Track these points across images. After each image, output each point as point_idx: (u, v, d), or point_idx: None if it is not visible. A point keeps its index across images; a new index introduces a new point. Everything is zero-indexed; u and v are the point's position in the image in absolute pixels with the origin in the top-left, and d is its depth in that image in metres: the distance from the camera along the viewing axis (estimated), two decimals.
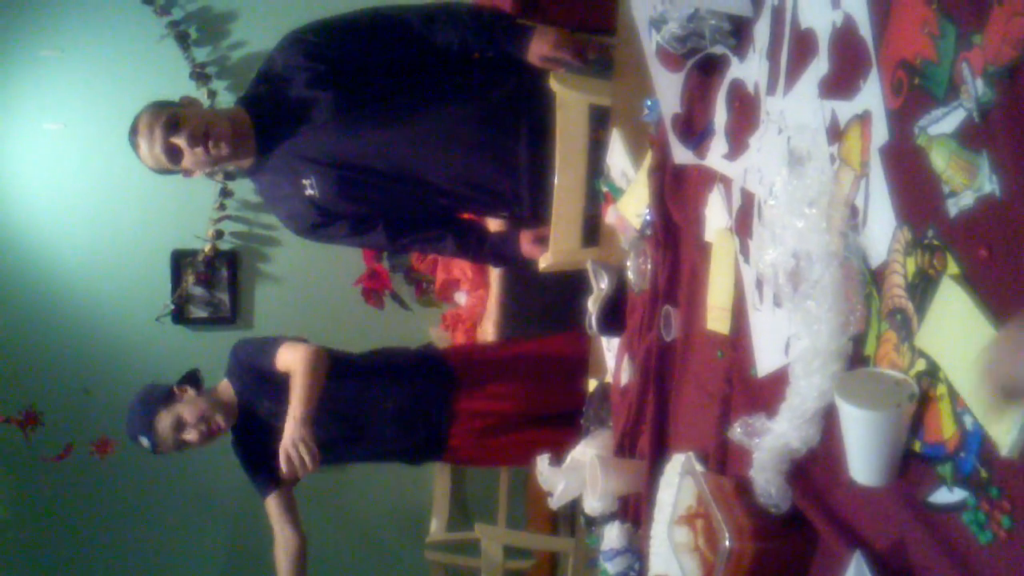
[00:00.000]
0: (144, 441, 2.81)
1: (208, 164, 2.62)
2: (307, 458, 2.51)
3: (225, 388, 2.94)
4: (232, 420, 2.90)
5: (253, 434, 2.94)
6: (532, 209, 2.75)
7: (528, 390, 3.04)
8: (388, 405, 2.97)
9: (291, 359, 2.79)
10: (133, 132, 2.59)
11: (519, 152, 2.67)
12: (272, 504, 2.97)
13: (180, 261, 4.41)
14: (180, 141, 2.53)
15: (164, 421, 2.78)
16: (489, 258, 3.07)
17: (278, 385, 2.82)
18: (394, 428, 2.99)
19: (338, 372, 2.88)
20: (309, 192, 2.69)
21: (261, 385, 2.90)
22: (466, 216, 3.11)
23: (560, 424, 2.82)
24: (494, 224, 3.18)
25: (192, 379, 2.92)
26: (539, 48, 2.57)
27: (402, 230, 2.85)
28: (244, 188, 4.41)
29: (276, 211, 2.91)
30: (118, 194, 4.32)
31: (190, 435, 2.80)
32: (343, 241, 2.92)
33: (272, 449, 2.86)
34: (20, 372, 4.30)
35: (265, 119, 2.63)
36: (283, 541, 2.98)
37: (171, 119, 2.53)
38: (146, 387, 2.91)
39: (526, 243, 2.89)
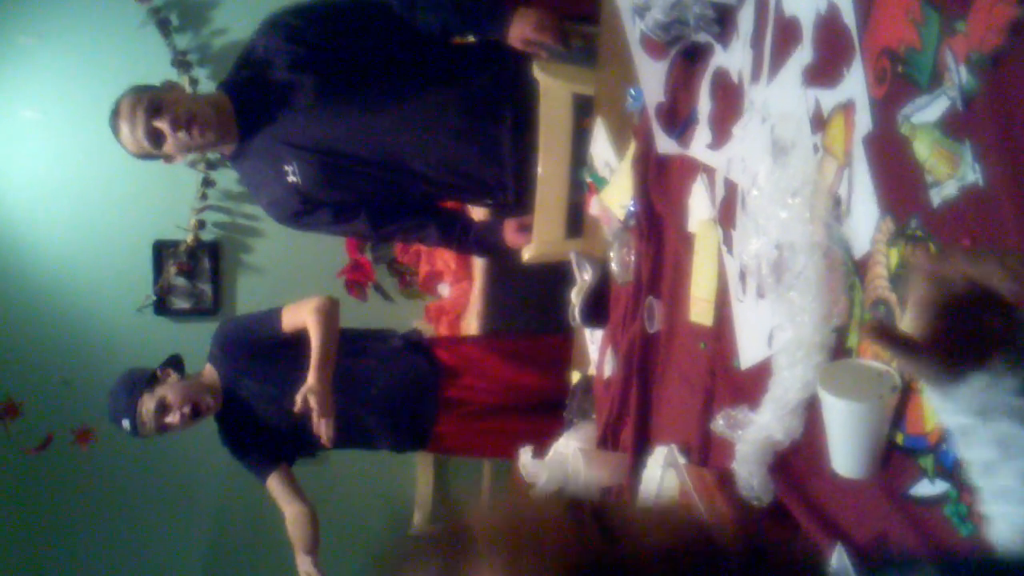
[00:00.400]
0: (125, 423, 2.78)
1: (190, 149, 2.59)
2: (318, 409, 2.55)
3: (209, 373, 2.91)
4: (218, 404, 2.87)
5: (239, 419, 2.91)
6: (516, 196, 2.73)
7: (513, 380, 3.02)
8: (374, 391, 2.94)
9: (304, 310, 2.77)
10: (114, 115, 2.55)
11: (502, 139, 2.65)
12: (274, 483, 2.96)
13: (162, 251, 4.36)
14: (163, 125, 2.50)
15: (147, 404, 2.75)
16: (473, 247, 3.05)
17: (265, 362, 2.81)
18: (380, 414, 2.97)
19: None
20: (291, 179, 2.66)
21: (248, 364, 2.87)
22: (450, 204, 3.08)
23: (544, 414, 2.81)
24: (478, 213, 3.16)
25: (174, 363, 2.90)
26: (520, 30, 2.54)
27: (385, 218, 2.82)
28: (226, 178, 4.36)
29: (258, 198, 2.89)
30: (99, 183, 4.27)
31: (173, 418, 2.77)
32: (325, 229, 2.90)
33: (260, 432, 2.85)
34: None
35: (247, 104, 2.61)
36: (293, 515, 2.96)
37: (153, 102, 2.50)
38: (128, 371, 2.88)
39: (510, 232, 2.87)
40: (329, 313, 2.75)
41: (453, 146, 2.65)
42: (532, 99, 2.59)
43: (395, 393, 2.95)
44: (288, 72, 2.56)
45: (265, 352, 2.85)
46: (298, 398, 2.56)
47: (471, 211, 3.18)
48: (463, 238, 2.92)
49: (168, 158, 2.62)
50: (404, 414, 2.99)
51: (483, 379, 3.02)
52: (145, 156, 2.61)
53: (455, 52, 2.69)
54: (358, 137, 2.62)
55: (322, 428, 2.62)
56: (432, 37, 2.60)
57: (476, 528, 0.67)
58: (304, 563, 2.95)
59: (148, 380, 2.79)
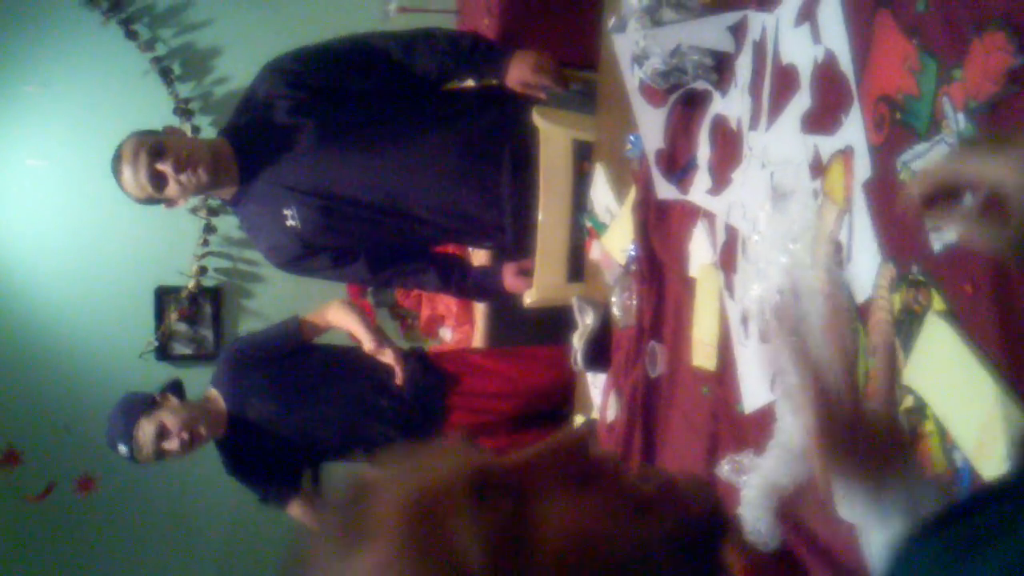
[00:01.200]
0: (122, 449, 2.74)
1: (192, 191, 2.61)
2: (394, 359, 2.78)
3: (212, 398, 2.87)
4: (219, 430, 2.84)
5: (248, 445, 2.88)
6: (515, 239, 2.74)
7: (518, 378, 3.00)
8: (384, 404, 2.92)
9: (327, 308, 2.92)
10: (117, 159, 2.57)
11: (502, 181, 2.66)
12: (296, 508, 2.95)
13: (163, 297, 4.38)
14: (165, 168, 2.51)
15: (146, 428, 2.71)
16: (472, 292, 3.05)
17: (275, 377, 2.82)
18: (391, 427, 2.93)
19: (333, 372, 2.89)
20: (291, 223, 2.67)
21: (258, 381, 2.85)
22: (449, 247, 3.08)
23: (548, 425, 2.82)
24: (478, 257, 3.16)
25: (174, 388, 2.87)
26: (519, 72, 2.57)
27: (384, 263, 2.84)
28: (227, 224, 4.39)
29: (257, 243, 2.89)
30: (102, 230, 4.30)
31: (171, 444, 2.73)
32: (324, 274, 2.90)
33: (270, 453, 2.85)
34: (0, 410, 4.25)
35: (247, 148, 2.63)
36: None
37: (156, 146, 2.53)
38: (127, 395, 2.84)
39: (509, 276, 2.87)
40: (351, 304, 2.91)
41: (452, 189, 2.66)
42: (531, 141, 2.61)
43: (405, 406, 2.92)
44: (288, 116, 2.59)
45: (276, 366, 2.84)
46: (385, 359, 2.79)
47: (471, 255, 3.18)
48: (462, 283, 2.93)
49: (170, 202, 2.63)
50: (415, 425, 2.94)
51: (490, 387, 2.99)
52: (147, 200, 2.62)
53: (453, 96, 2.72)
54: (358, 180, 2.63)
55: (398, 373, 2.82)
56: (430, 81, 2.62)
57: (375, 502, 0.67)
58: None
59: (147, 404, 2.76)
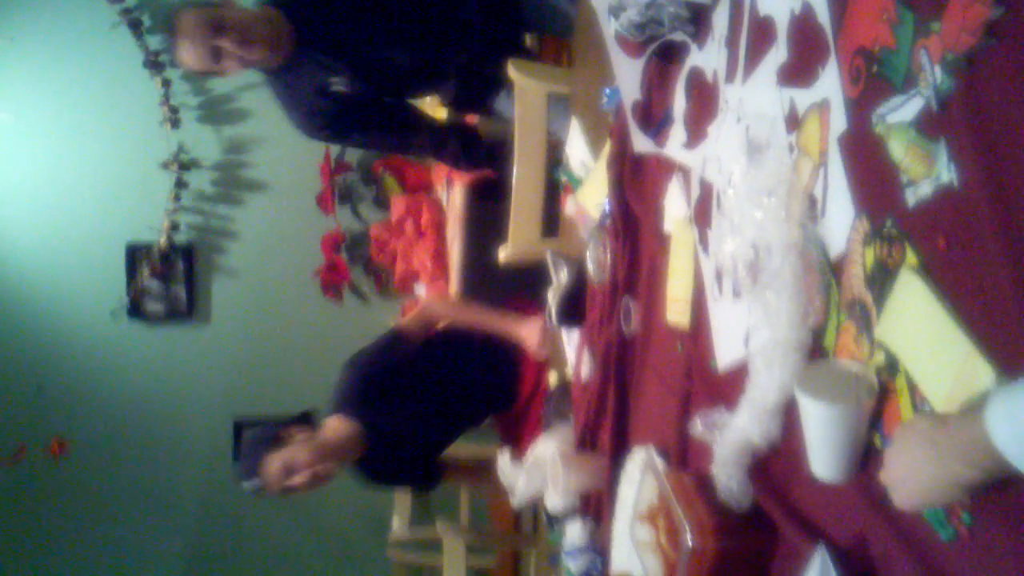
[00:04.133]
0: (248, 484, 2.60)
1: (247, 66, 2.65)
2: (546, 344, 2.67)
3: (337, 427, 2.66)
4: (355, 455, 2.68)
5: (385, 454, 2.76)
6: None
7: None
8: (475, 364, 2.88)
9: (427, 307, 2.94)
10: (172, 33, 2.58)
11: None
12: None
13: (135, 254, 4.33)
14: (226, 44, 2.54)
15: (274, 465, 2.55)
16: (484, 162, 3.15)
17: (397, 390, 2.73)
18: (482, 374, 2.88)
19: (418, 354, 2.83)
20: (337, 87, 2.73)
21: (383, 398, 2.72)
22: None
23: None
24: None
25: (303, 419, 2.78)
26: None
27: (412, 126, 2.96)
28: (200, 179, 4.33)
29: (292, 110, 2.87)
30: (70, 186, 4.23)
31: (298, 480, 2.56)
32: (356, 139, 3.10)
33: (405, 453, 2.80)
34: None
35: (299, 19, 2.67)
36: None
37: (217, 21, 2.55)
38: (255, 429, 2.74)
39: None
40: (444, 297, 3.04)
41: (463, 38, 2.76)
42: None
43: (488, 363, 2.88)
44: None
45: (393, 380, 2.74)
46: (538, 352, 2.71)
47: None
48: (474, 152, 3.07)
49: (222, 72, 2.67)
50: (502, 368, 2.90)
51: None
52: (202, 73, 2.72)
53: None
54: (394, 42, 2.73)
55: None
56: None
57: None
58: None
59: (270, 439, 2.61)
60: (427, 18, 2.75)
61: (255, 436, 2.68)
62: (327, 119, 2.82)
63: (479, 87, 2.84)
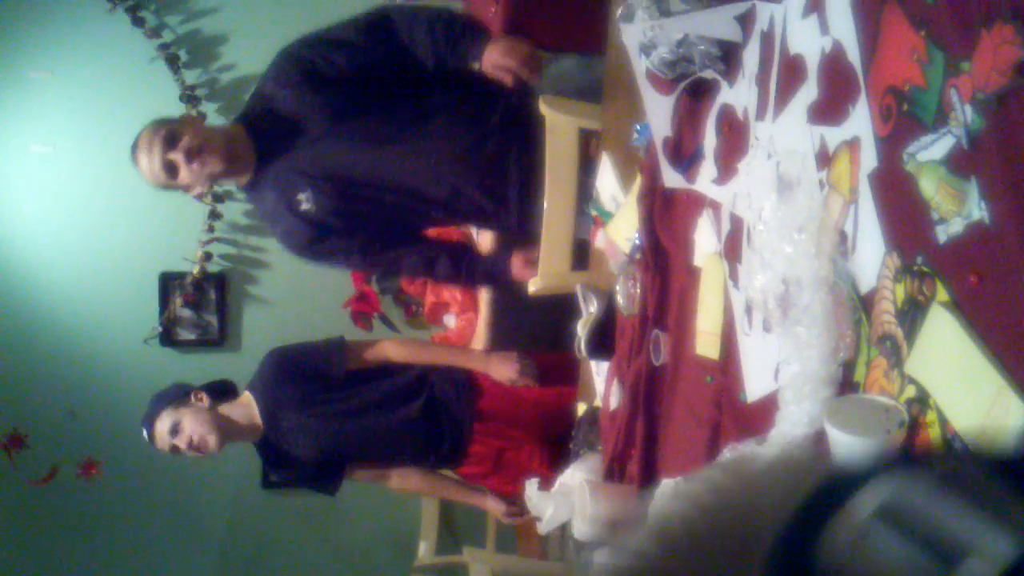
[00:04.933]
0: (144, 432, 2.79)
1: (204, 180, 2.64)
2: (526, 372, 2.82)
3: (245, 403, 2.86)
4: (249, 437, 2.86)
5: (281, 452, 2.92)
6: (520, 221, 2.76)
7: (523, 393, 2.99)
8: (414, 410, 2.92)
9: (388, 345, 2.95)
10: (134, 148, 2.63)
11: (508, 164, 2.70)
12: (358, 477, 3.08)
13: (168, 283, 4.38)
14: (176, 157, 2.56)
15: (164, 421, 2.74)
16: (481, 279, 3.08)
17: (311, 394, 2.83)
18: (419, 433, 2.93)
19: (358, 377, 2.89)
20: (304, 207, 2.70)
21: (293, 394, 2.84)
22: (456, 232, 3.10)
23: (552, 447, 2.85)
24: (484, 241, 3.17)
25: (216, 389, 2.86)
26: (490, 55, 2.59)
27: (396, 249, 2.86)
28: (233, 210, 4.39)
29: (273, 228, 2.91)
30: (107, 216, 4.30)
31: (179, 442, 2.75)
32: (337, 260, 2.93)
33: (308, 459, 2.92)
34: (5, 394, 4.26)
35: (262, 134, 2.66)
36: (397, 481, 3.09)
37: (169, 135, 2.57)
38: (174, 384, 2.88)
39: (518, 265, 2.89)
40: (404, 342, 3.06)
41: (461, 171, 2.70)
42: (537, 125, 2.63)
43: (434, 409, 2.92)
44: (301, 103, 2.63)
45: (313, 384, 2.85)
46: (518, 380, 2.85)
47: (477, 240, 3.20)
48: (471, 270, 2.95)
49: (186, 188, 2.67)
50: (444, 428, 2.94)
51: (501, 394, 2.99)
52: (164, 187, 2.68)
53: (462, 80, 2.72)
54: (370, 165, 2.67)
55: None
56: (429, 65, 2.64)
57: None
58: None
59: (177, 398, 2.79)
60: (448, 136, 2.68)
61: (167, 391, 2.84)
62: (302, 242, 2.79)
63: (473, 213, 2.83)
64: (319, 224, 2.73)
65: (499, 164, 2.70)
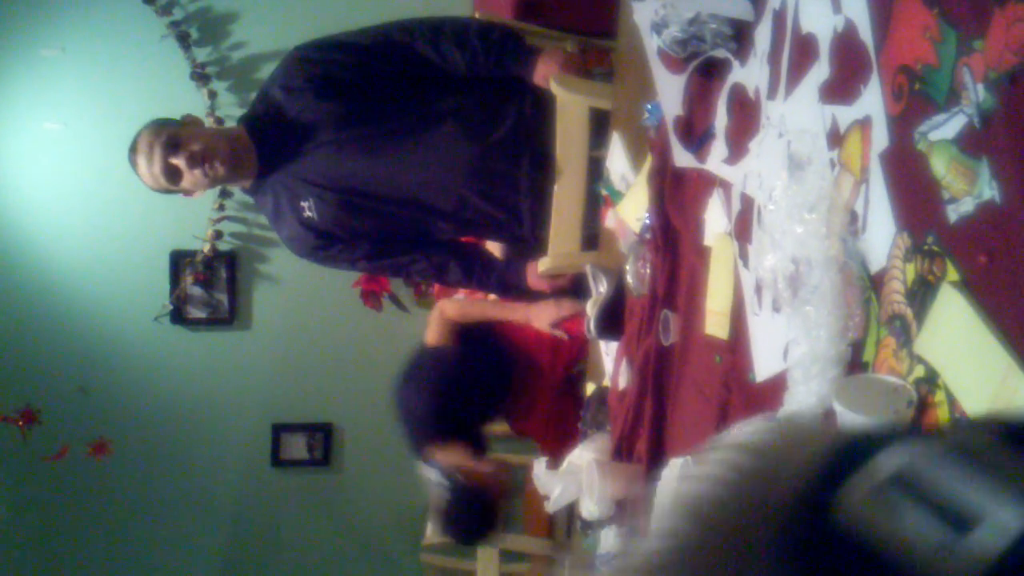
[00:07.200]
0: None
1: (207, 185, 2.59)
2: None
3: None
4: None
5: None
6: (533, 231, 2.71)
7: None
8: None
9: (448, 309, 2.98)
10: (132, 151, 2.55)
11: (520, 175, 2.63)
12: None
13: (179, 261, 4.39)
14: (179, 162, 2.49)
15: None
16: (495, 288, 2.98)
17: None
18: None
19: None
20: (308, 214, 2.65)
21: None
22: (468, 241, 3.07)
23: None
24: (493, 249, 3.15)
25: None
26: (546, 69, 2.54)
27: (402, 256, 2.81)
28: None
29: (278, 231, 2.86)
30: (117, 194, 4.30)
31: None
32: (344, 265, 2.90)
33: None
34: (18, 370, 4.29)
35: (265, 139, 2.60)
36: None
37: (171, 139, 2.50)
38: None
39: (533, 275, 2.82)
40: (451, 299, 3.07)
41: (470, 181, 2.64)
42: (550, 134, 2.58)
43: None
44: (308, 109, 2.57)
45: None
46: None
47: (487, 247, 3.17)
48: (484, 277, 2.88)
49: (187, 193, 2.63)
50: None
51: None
52: (163, 191, 2.62)
53: (472, 88, 2.66)
54: (375, 174, 2.62)
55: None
56: (458, 75, 2.60)
57: None
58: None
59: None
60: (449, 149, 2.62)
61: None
62: (306, 248, 2.76)
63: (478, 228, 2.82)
64: (322, 232, 2.70)
65: (509, 174, 2.64)
